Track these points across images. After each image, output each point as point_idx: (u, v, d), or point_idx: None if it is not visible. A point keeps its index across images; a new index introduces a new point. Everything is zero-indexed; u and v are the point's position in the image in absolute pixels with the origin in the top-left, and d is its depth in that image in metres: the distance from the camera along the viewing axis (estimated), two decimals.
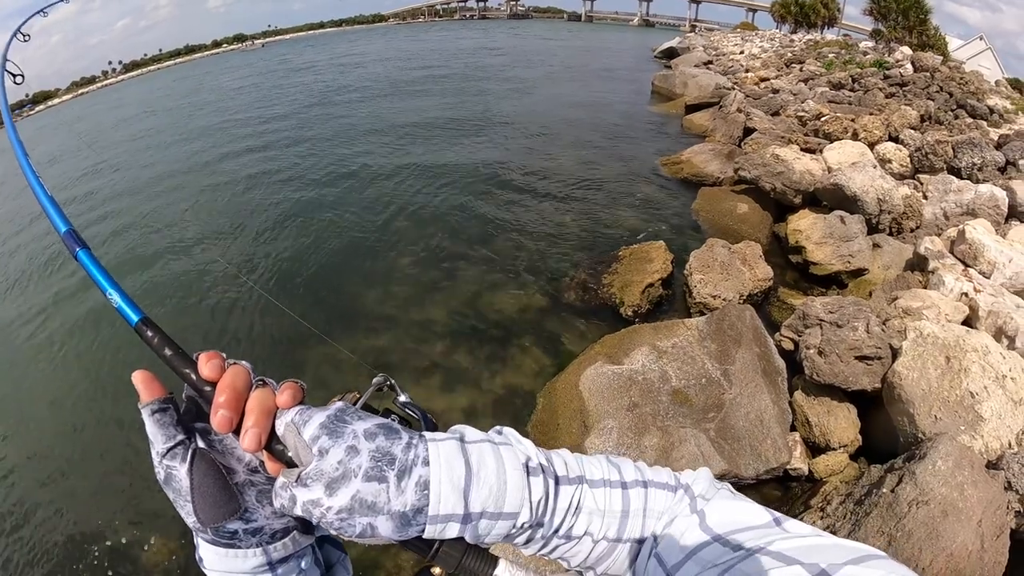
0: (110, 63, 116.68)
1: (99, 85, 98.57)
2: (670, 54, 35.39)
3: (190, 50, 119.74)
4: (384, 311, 7.63)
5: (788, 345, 5.60)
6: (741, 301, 6.67)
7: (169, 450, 0.68)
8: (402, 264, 8.83)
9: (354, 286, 8.36)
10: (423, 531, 0.66)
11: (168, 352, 0.72)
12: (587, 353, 5.88)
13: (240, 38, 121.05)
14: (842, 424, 4.77)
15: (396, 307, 7.69)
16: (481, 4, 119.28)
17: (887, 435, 4.61)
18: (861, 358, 4.82)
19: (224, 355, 0.70)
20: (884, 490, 3.56)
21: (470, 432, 0.75)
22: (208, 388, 0.68)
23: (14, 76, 1.89)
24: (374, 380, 0.84)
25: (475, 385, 6.23)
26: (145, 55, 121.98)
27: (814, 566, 0.57)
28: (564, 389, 5.43)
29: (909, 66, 15.99)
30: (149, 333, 0.74)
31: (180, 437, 0.69)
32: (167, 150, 19.63)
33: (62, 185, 16.80)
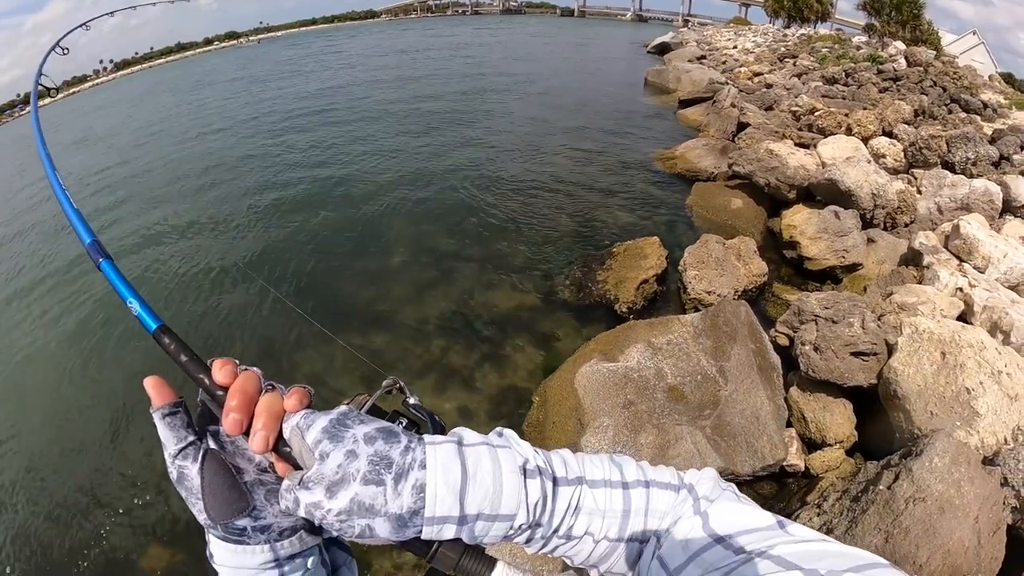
0: (101, 62, 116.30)
1: (90, 84, 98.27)
2: (663, 49, 35.38)
3: (181, 48, 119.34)
4: (378, 310, 7.60)
5: (783, 341, 5.59)
6: (736, 297, 6.67)
7: (180, 450, 0.71)
8: (396, 263, 8.82)
9: (349, 286, 8.34)
10: (420, 532, 0.68)
11: (184, 358, 0.75)
12: (582, 351, 5.87)
13: (232, 35, 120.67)
14: (838, 420, 4.76)
15: (391, 306, 7.67)
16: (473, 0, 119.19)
17: (883, 431, 4.61)
18: (857, 354, 4.82)
19: (237, 361, 0.73)
20: (881, 487, 3.55)
21: (469, 435, 0.76)
22: (220, 392, 0.71)
23: (48, 89, 1.91)
24: (384, 383, 0.87)
25: (470, 384, 6.22)
26: (136, 53, 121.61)
27: (813, 571, 0.57)
28: (559, 387, 5.41)
29: (902, 61, 16.05)
30: (166, 340, 0.78)
31: (191, 438, 0.72)
32: (166, 148, 19.49)
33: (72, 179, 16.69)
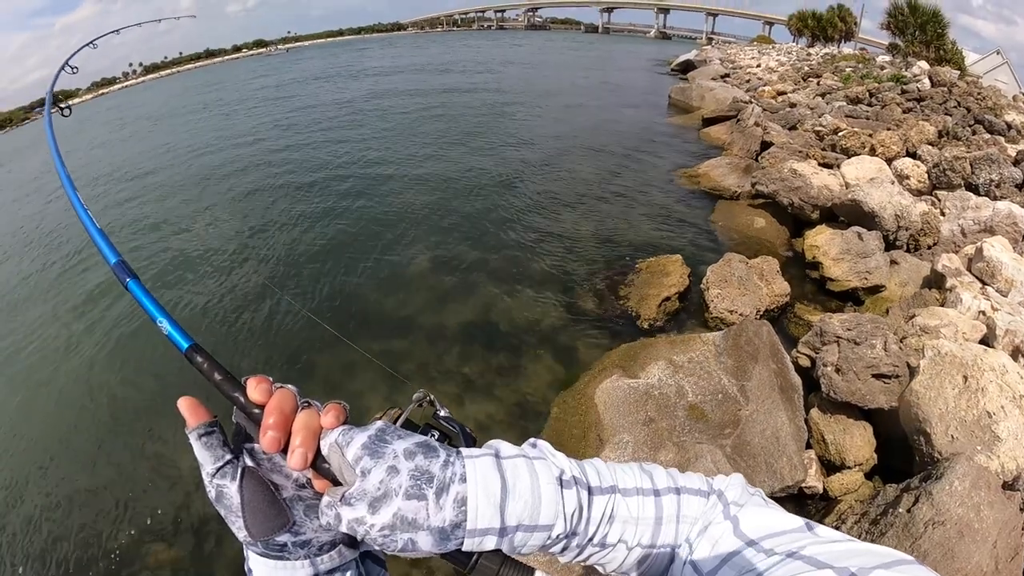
0: (130, 64, 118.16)
1: (119, 86, 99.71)
2: (687, 67, 35.28)
3: (210, 54, 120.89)
4: (401, 319, 7.66)
5: (805, 362, 5.58)
6: (758, 316, 6.68)
7: (219, 469, 0.73)
8: (420, 272, 8.89)
9: (374, 297, 8.38)
10: (462, 544, 0.70)
11: (218, 377, 0.76)
12: (601, 365, 5.90)
13: (260, 43, 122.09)
14: (858, 442, 4.74)
15: (412, 315, 7.73)
16: (499, 15, 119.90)
17: (903, 454, 4.60)
18: (878, 376, 4.81)
19: (271, 379, 0.74)
20: (900, 510, 3.56)
21: (505, 447, 0.78)
22: (257, 411, 0.71)
23: (62, 109, 1.96)
24: (414, 396, 0.88)
25: (489, 394, 6.25)
26: (165, 58, 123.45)
27: (844, 570, 0.59)
28: (579, 401, 5.44)
29: (926, 81, 15.91)
30: (199, 359, 0.78)
31: (228, 457, 0.73)
32: (188, 159, 19.59)
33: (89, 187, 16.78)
